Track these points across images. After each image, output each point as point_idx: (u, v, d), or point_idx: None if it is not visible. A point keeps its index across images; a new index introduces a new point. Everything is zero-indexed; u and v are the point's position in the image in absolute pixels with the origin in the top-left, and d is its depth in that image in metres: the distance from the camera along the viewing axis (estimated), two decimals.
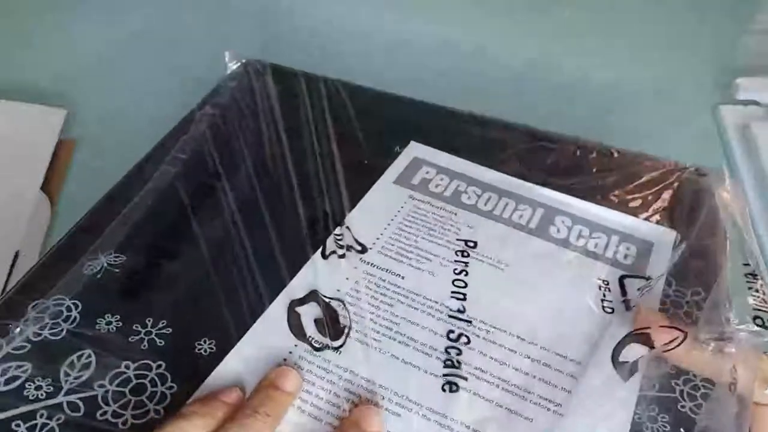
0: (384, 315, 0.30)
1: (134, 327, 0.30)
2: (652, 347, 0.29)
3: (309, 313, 0.31)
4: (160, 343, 0.29)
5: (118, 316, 0.30)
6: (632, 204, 0.36)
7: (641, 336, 0.30)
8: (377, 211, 0.35)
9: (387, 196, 0.35)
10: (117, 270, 0.32)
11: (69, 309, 0.30)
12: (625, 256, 0.33)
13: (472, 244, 0.33)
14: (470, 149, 0.39)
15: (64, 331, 0.29)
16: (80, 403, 0.27)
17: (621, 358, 0.30)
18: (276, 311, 0.31)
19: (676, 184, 0.37)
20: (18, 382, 0.28)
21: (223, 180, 0.37)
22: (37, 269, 0.32)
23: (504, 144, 0.39)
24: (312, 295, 0.31)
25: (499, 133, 0.40)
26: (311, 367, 0.29)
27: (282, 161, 0.38)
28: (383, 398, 0.28)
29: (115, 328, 0.30)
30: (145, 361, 0.29)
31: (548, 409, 0.28)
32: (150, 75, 0.57)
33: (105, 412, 0.27)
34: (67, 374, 0.28)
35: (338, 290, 0.31)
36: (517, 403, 0.28)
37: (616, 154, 0.39)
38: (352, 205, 0.35)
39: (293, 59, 0.44)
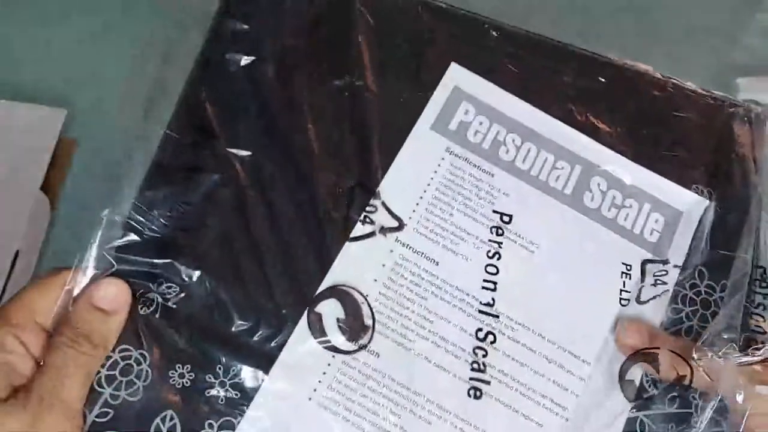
0: (418, 310, 0.30)
1: (207, 378, 0.28)
2: (658, 372, 0.30)
3: (329, 313, 0.30)
4: (237, 395, 0.28)
5: (189, 366, 0.28)
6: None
7: (649, 356, 0.30)
8: (413, 171, 0.32)
9: (423, 150, 0.33)
10: (174, 305, 0.29)
11: (138, 362, 0.28)
12: (652, 232, 0.33)
13: (507, 219, 0.32)
14: (516, 78, 0.35)
15: (141, 390, 0.27)
16: None
17: (627, 377, 0.30)
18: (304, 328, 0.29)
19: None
20: None
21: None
22: None
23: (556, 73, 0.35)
24: (332, 291, 0.30)
25: (551, 60, 0.36)
26: (353, 373, 0.29)
27: (299, 115, 0.33)
28: (416, 405, 0.29)
29: (189, 382, 0.28)
30: (227, 419, 0.28)
31: (557, 414, 0.29)
32: (149, 74, 0.57)
33: None
34: None
35: (375, 280, 0.30)
36: (531, 407, 0.29)
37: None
38: (386, 164, 0.32)
39: None
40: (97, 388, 0.27)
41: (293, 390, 0.28)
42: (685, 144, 0.35)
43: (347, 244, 0.31)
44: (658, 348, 0.30)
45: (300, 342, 0.29)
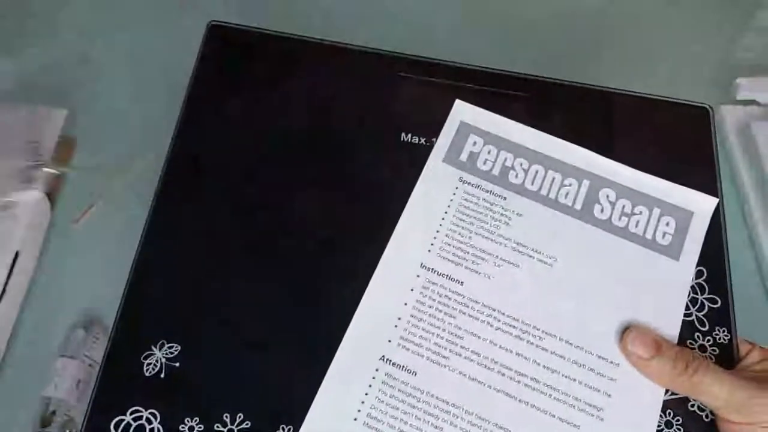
0: (449, 329, 0.32)
1: (216, 427, 0.29)
2: None
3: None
4: None
5: (197, 419, 0.29)
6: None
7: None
8: (431, 201, 0.35)
9: (438, 180, 0.35)
10: (177, 364, 0.30)
11: (149, 421, 0.29)
12: (664, 235, 0.35)
13: (521, 239, 0.34)
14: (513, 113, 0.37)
15: None
16: None
17: None
18: (343, 361, 0.31)
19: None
20: None
21: (249, 214, 0.34)
22: (101, 380, 0.30)
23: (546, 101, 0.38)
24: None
25: (536, 92, 0.38)
26: (393, 392, 0.30)
27: (309, 155, 0.35)
28: (456, 417, 0.30)
29: None
30: None
31: (592, 415, 0.30)
32: (149, 74, 0.57)
33: None
34: None
35: (405, 304, 0.32)
36: (566, 411, 0.30)
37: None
38: (404, 198, 0.34)
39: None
40: None
41: (336, 415, 0.30)
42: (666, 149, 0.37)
43: (371, 282, 0.33)
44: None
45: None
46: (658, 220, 0.35)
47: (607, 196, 0.35)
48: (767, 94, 0.56)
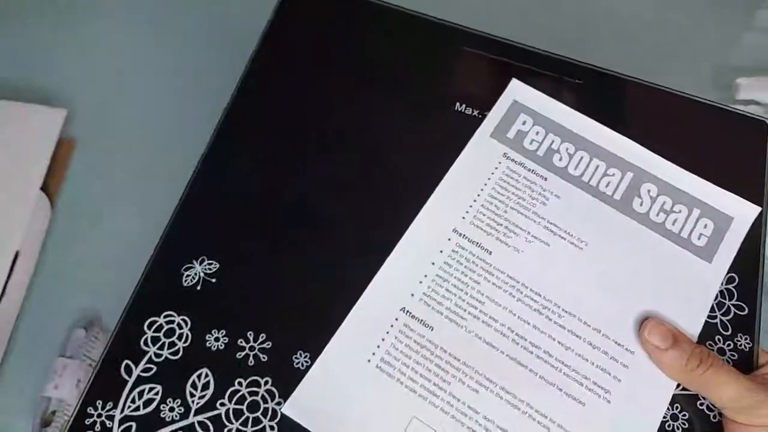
0: (471, 293, 0.33)
1: (239, 342, 0.31)
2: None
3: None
4: (264, 358, 0.31)
5: (224, 331, 0.31)
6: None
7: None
8: (473, 171, 0.36)
9: (483, 152, 0.36)
10: (213, 280, 0.32)
11: (180, 326, 0.31)
12: (700, 236, 0.35)
13: (556, 219, 0.35)
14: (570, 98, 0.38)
15: (181, 351, 0.31)
16: (209, 423, 0.30)
17: None
18: (368, 302, 0.32)
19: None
20: (154, 405, 0.30)
21: (304, 159, 0.36)
22: (143, 284, 0.32)
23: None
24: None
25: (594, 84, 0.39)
26: (408, 342, 0.32)
27: (373, 124, 0.37)
28: (465, 375, 0.31)
29: (223, 345, 0.31)
30: (255, 377, 0.31)
31: (599, 396, 0.31)
32: (149, 74, 0.57)
33: (230, 430, 0.30)
34: (192, 394, 0.30)
35: (433, 263, 0.33)
36: (574, 387, 0.31)
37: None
38: (448, 164, 0.35)
39: None
40: (143, 347, 0.31)
41: (352, 353, 0.32)
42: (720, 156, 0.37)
43: (404, 236, 0.34)
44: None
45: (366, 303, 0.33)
46: (697, 221, 0.35)
47: (649, 191, 0.36)
48: (767, 94, 0.56)
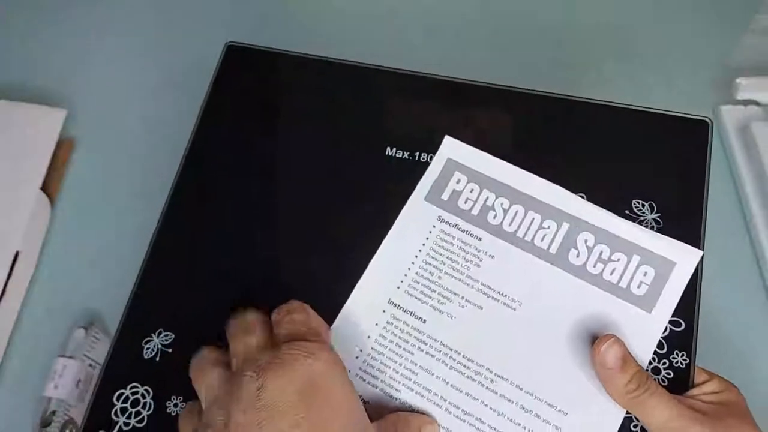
0: (405, 364, 0.33)
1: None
2: None
3: None
4: None
5: (182, 397, 0.33)
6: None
7: None
8: (408, 238, 0.36)
9: (417, 218, 0.36)
10: (170, 350, 0.34)
11: (143, 395, 0.33)
12: (640, 285, 0.34)
13: (489, 281, 0.34)
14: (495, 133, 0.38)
15: (146, 419, 0.33)
16: None
17: None
18: None
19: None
20: None
21: (249, 229, 0.37)
22: (111, 358, 0.34)
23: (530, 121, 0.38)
24: None
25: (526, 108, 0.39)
26: None
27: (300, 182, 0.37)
28: None
29: (182, 409, 0.32)
30: None
31: None
32: (149, 74, 0.57)
33: None
34: None
35: (368, 337, 0.33)
36: None
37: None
38: (382, 231, 0.36)
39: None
40: (113, 417, 0.33)
41: None
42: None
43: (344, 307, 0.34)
44: None
45: None
46: (636, 269, 0.34)
47: (585, 241, 0.35)
48: (767, 94, 0.56)
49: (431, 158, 0.37)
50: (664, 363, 0.32)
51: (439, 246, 0.35)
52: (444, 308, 0.34)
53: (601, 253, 0.34)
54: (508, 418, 0.32)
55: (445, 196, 0.36)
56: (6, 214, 0.48)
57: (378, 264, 0.35)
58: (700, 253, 0.34)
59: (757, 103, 0.56)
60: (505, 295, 0.34)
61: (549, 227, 0.35)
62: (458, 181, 0.37)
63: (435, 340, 0.33)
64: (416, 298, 0.34)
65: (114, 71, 0.57)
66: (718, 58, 0.59)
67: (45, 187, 0.50)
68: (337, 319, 0.34)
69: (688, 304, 0.33)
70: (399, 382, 0.33)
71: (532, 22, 0.61)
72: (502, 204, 0.36)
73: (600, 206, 0.35)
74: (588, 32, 0.61)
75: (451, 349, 0.33)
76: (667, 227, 0.35)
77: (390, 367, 0.33)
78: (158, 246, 0.36)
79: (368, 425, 0.29)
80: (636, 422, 0.31)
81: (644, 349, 0.32)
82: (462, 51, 0.59)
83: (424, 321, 0.34)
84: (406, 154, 0.37)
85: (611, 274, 0.34)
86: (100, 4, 0.60)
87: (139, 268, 0.36)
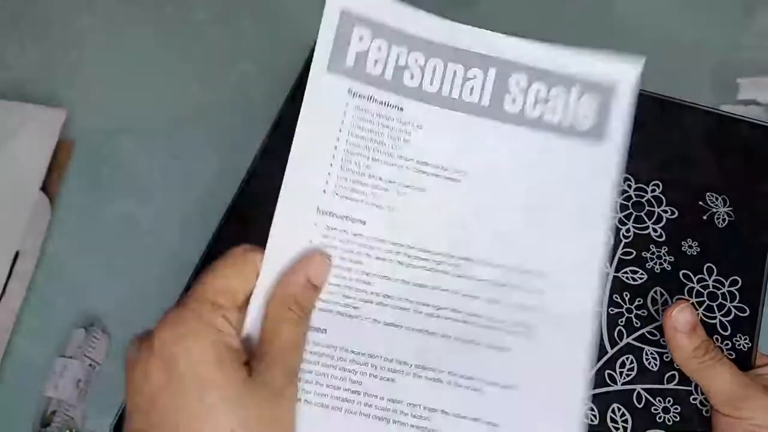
0: (356, 276, 0.29)
1: None
2: None
3: None
4: None
5: None
6: None
7: None
8: (320, 126, 0.30)
9: (324, 96, 0.30)
10: None
11: None
12: (584, 118, 0.30)
13: (424, 156, 0.30)
14: None
15: None
16: None
17: None
18: None
19: None
20: None
21: None
22: None
23: None
24: None
25: None
26: (306, 356, 0.28)
27: None
28: (375, 367, 0.28)
29: None
30: None
31: (521, 335, 0.28)
32: (149, 73, 0.57)
33: None
34: None
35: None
36: (491, 335, 0.28)
37: None
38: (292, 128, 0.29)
39: None
40: None
41: None
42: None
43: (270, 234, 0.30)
44: None
45: None
46: (578, 101, 0.30)
47: (518, 83, 0.30)
48: (767, 93, 0.56)
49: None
50: (727, 344, 0.33)
51: (359, 128, 0.30)
52: (382, 201, 0.29)
53: (537, 92, 0.30)
54: (485, 299, 0.29)
55: (350, 61, 0.30)
56: (6, 214, 0.48)
57: (293, 168, 0.29)
58: (641, 60, 0.31)
59: (757, 103, 0.56)
60: (445, 168, 0.30)
61: (475, 77, 0.30)
62: (361, 39, 0.30)
63: (382, 240, 0.29)
64: (348, 198, 0.29)
65: (114, 71, 0.57)
66: (718, 58, 0.59)
67: (45, 187, 0.50)
68: (267, 249, 0.28)
69: (753, 292, 0.34)
70: (354, 298, 0.29)
71: None
72: (416, 60, 0.30)
73: (675, 199, 0.34)
74: (588, 32, 0.61)
75: (402, 245, 0.29)
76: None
77: (340, 285, 0.29)
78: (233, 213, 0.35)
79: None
80: (695, 395, 0.31)
81: (603, 188, 0.30)
82: None
83: (364, 222, 0.29)
84: None
85: (553, 113, 0.30)
86: (102, 4, 0.60)
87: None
